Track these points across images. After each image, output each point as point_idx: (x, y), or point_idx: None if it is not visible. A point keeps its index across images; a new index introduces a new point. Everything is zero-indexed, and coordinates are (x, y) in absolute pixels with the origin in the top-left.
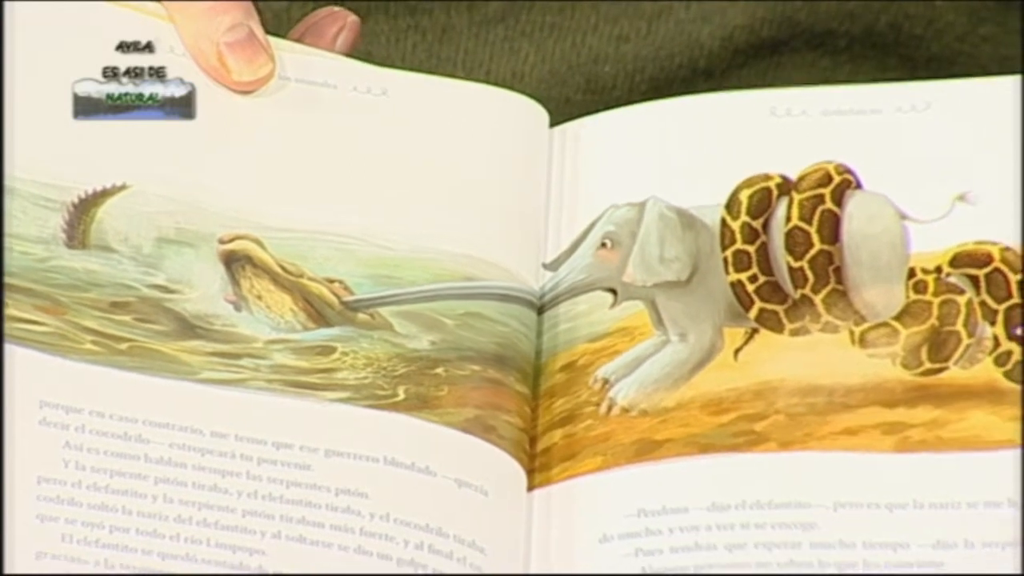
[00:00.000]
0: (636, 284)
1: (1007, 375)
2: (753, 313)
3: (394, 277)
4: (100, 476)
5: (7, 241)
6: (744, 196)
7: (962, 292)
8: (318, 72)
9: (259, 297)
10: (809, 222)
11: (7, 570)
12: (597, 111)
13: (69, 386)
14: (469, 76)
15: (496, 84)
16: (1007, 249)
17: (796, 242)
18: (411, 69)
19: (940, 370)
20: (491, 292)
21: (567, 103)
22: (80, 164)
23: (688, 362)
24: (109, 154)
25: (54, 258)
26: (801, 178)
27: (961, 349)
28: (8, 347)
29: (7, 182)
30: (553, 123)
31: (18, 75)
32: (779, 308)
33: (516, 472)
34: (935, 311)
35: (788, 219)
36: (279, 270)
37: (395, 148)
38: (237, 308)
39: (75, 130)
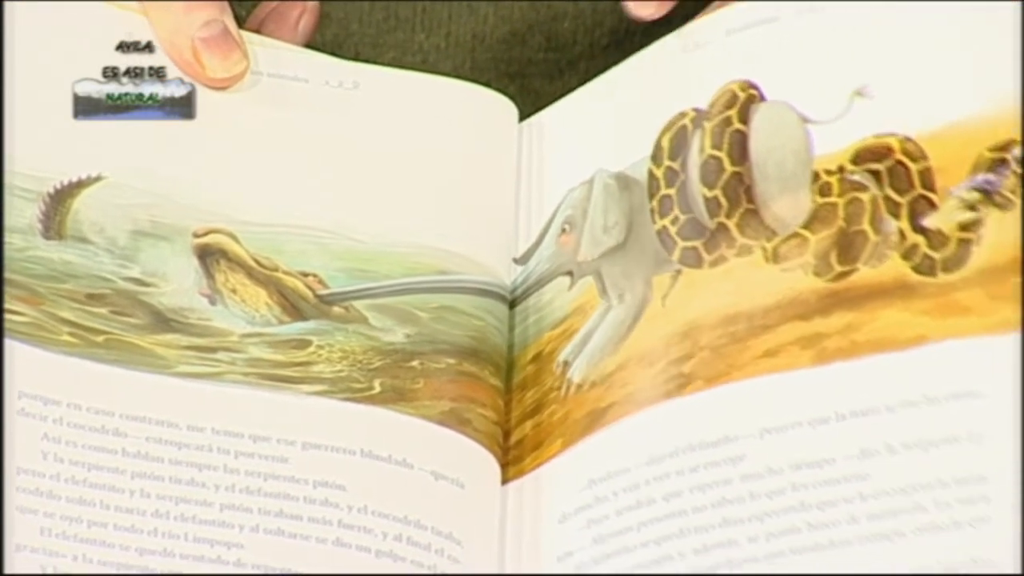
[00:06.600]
0: (587, 260)
1: (915, 269)
2: (676, 255)
3: (368, 271)
4: (78, 469)
5: None
6: (665, 141)
7: (866, 189)
8: (290, 66)
9: (234, 291)
10: (720, 148)
11: None
12: (560, 69)
13: (47, 377)
14: (430, 37)
15: (458, 46)
16: (908, 140)
17: (710, 171)
18: (370, 31)
19: (850, 272)
20: (465, 286)
21: (529, 63)
22: (56, 155)
23: (625, 322)
24: (84, 146)
25: (31, 248)
26: (711, 105)
27: (869, 248)
28: None
29: None
30: (517, 84)
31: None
32: (698, 243)
33: (491, 465)
34: (841, 212)
35: (702, 150)
36: (253, 264)
37: (368, 142)
38: (212, 302)
39: (51, 122)
